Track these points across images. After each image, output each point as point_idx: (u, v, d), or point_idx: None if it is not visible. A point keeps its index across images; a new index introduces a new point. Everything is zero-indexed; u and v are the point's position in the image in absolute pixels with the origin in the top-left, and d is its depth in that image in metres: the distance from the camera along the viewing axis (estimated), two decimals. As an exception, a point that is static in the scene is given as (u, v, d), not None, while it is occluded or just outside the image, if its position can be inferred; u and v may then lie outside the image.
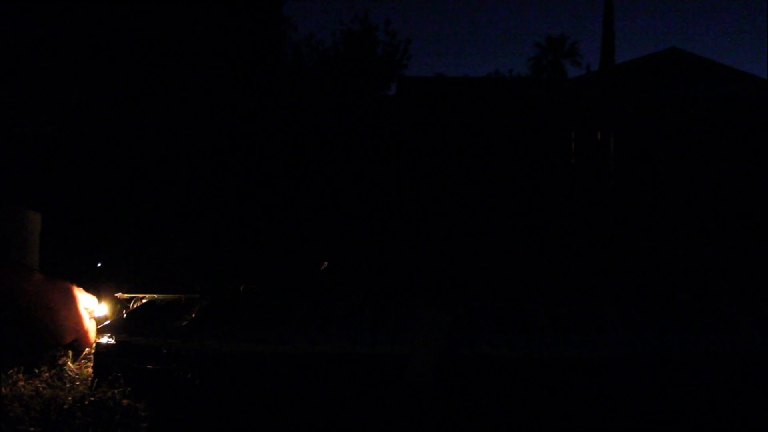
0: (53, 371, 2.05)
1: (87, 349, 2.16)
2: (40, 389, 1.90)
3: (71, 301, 2.03)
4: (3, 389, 1.84)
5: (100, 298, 2.24)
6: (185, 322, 2.15)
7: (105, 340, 2.09)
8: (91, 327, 2.09)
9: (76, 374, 2.06)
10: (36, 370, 2.05)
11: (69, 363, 2.15)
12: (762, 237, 8.99)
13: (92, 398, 1.80)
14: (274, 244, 8.18)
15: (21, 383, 1.94)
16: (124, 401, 1.79)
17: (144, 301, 2.35)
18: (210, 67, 10.90)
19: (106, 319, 2.20)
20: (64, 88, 9.13)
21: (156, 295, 2.39)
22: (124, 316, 2.21)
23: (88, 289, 2.22)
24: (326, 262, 2.77)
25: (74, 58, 9.34)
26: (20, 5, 8.88)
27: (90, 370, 2.08)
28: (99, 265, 3.11)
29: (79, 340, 2.15)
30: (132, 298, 2.34)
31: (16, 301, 1.97)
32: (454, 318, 2.00)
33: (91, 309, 2.13)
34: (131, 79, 9.74)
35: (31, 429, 1.57)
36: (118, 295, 2.31)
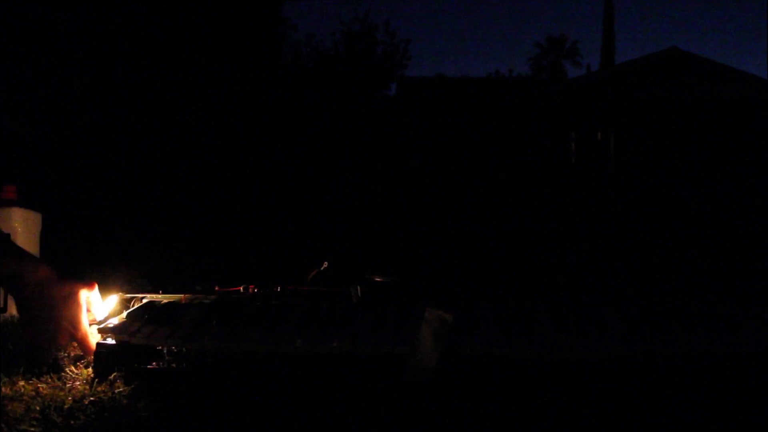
0: (53, 371, 2.05)
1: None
2: (41, 389, 1.90)
3: (73, 301, 1.98)
4: (3, 389, 1.83)
5: (102, 298, 2.23)
6: (186, 323, 2.15)
7: (105, 340, 2.09)
8: (90, 331, 2.05)
9: (76, 374, 2.06)
10: (36, 370, 2.05)
11: (69, 363, 2.15)
12: (762, 237, 9.00)
13: (92, 398, 1.80)
14: (275, 244, 8.18)
15: (21, 383, 1.93)
16: (125, 401, 1.79)
17: (144, 301, 2.35)
18: (210, 67, 10.91)
19: (107, 320, 2.19)
20: (65, 90, 9.13)
21: (156, 295, 2.39)
22: (125, 316, 2.21)
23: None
24: (326, 263, 2.77)
25: (75, 58, 9.35)
26: (22, 6, 8.87)
27: (90, 370, 2.08)
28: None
29: (76, 344, 2.12)
30: (132, 297, 2.34)
31: (19, 293, 1.91)
32: (454, 318, 2.00)
33: (94, 313, 2.10)
34: (131, 79, 9.75)
35: (32, 429, 1.57)
36: (119, 295, 2.31)
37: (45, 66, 9.38)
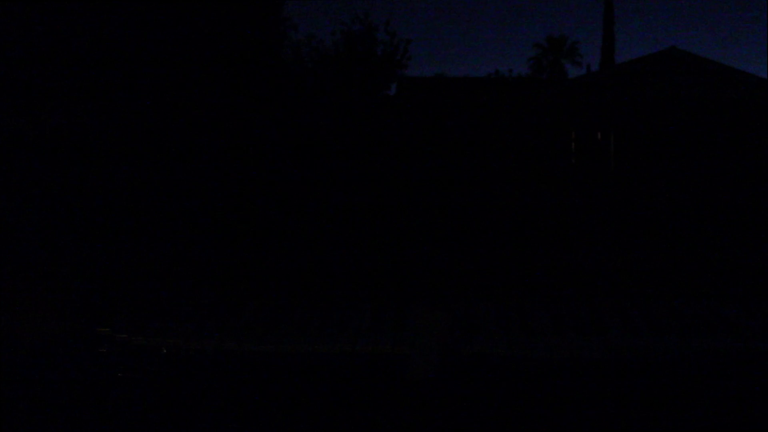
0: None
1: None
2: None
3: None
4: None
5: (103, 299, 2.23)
6: (185, 322, 2.15)
7: (105, 340, 2.10)
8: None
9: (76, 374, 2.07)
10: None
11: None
12: (762, 237, 9.00)
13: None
14: (275, 245, 8.19)
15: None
16: (125, 401, 1.80)
17: (144, 300, 2.36)
18: (211, 67, 10.91)
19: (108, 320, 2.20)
20: (64, 88, 9.14)
21: (157, 295, 2.40)
22: (124, 315, 2.22)
23: (89, 288, 2.20)
24: (326, 262, 2.79)
25: (75, 57, 9.35)
26: (22, 5, 8.87)
27: (90, 369, 2.08)
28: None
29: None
30: (132, 297, 2.35)
31: None
32: (454, 318, 2.00)
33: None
34: (131, 79, 9.75)
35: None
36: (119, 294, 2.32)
37: (42, 63, 9.37)
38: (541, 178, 12.52)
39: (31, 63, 9.15)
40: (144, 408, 1.79)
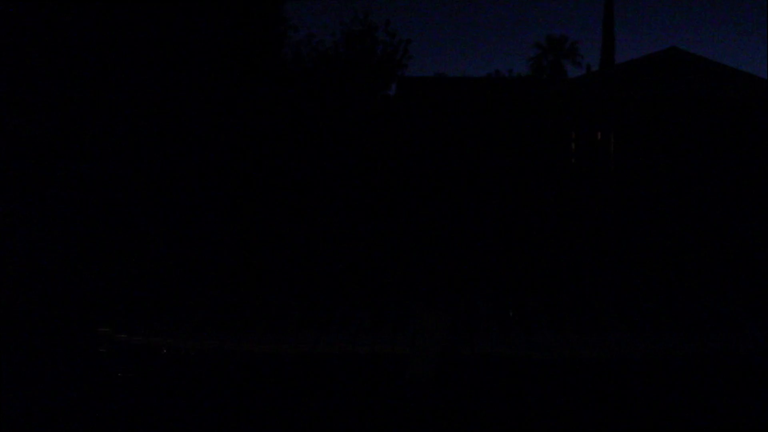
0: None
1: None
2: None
3: None
4: None
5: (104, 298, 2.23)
6: (185, 322, 2.15)
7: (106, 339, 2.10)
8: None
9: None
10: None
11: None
12: (762, 237, 8.99)
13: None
14: (274, 245, 8.17)
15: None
16: (125, 400, 1.80)
17: (144, 300, 2.36)
18: (211, 67, 10.89)
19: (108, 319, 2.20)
20: (66, 88, 9.10)
21: (156, 295, 2.40)
22: (124, 315, 2.22)
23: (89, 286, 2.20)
24: (326, 263, 2.78)
25: (75, 55, 9.32)
26: (21, 4, 8.84)
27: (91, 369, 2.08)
28: None
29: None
30: (132, 297, 2.35)
31: None
32: (454, 318, 2.00)
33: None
34: (131, 79, 9.73)
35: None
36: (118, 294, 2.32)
37: (44, 64, 9.37)
38: (541, 178, 12.52)
39: (33, 62, 9.15)
40: (144, 408, 1.79)
